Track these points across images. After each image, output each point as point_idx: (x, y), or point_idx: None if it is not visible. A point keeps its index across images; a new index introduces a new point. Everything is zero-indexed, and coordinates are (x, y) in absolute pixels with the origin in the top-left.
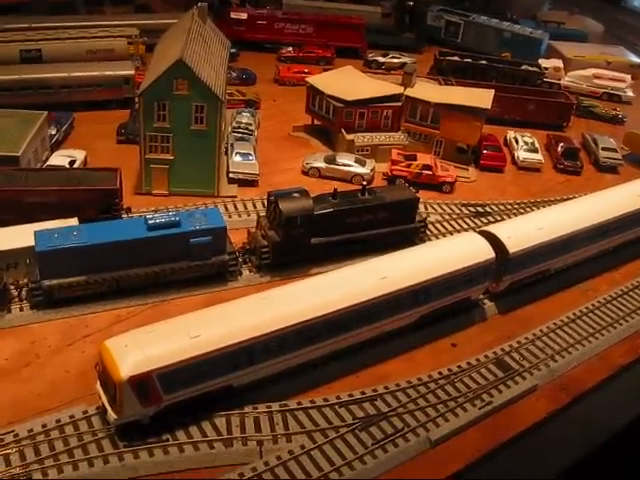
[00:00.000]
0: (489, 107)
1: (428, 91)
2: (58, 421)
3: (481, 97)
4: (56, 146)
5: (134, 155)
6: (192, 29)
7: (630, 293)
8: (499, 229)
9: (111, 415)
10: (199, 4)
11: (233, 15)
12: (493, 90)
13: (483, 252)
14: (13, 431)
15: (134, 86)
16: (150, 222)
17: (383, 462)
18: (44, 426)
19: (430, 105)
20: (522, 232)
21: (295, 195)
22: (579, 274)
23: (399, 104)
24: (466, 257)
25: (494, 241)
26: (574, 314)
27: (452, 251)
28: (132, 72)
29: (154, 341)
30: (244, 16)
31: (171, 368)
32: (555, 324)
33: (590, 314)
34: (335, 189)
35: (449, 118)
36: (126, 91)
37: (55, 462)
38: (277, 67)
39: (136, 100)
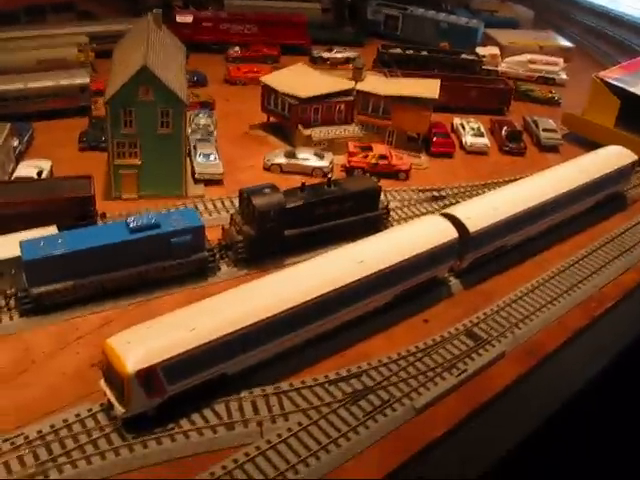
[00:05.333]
0: (437, 96)
1: (378, 84)
2: (65, 420)
3: (428, 87)
4: (20, 157)
5: (98, 161)
6: (150, 35)
7: (579, 263)
8: (459, 211)
9: (119, 409)
10: (154, 10)
11: (179, 19)
12: (439, 80)
13: (447, 233)
14: (23, 434)
15: (90, 94)
16: (132, 225)
17: (374, 432)
18: (52, 426)
19: (381, 98)
20: (480, 212)
21: (266, 191)
22: (532, 248)
23: (351, 98)
24: (433, 239)
25: (455, 222)
26: (532, 285)
27: (420, 234)
28: (87, 80)
29: (155, 336)
30: (189, 19)
31: (173, 360)
32: (515, 295)
33: (546, 284)
34: (303, 183)
35: (399, 109)
36: (82, 99)
37: (68, 459)
38: (227, 68)
39: (92, 107)
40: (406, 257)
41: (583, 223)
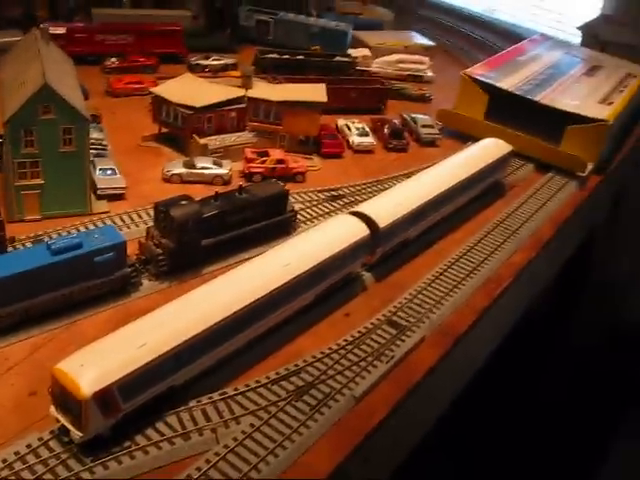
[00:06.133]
0: (326, 100)
1: (267, 90)
2: (17, 453)
3: (316, 91)
4: None
5: None
6: (42, 51)
7: (474, 248)
8: (367, 208)
9: (76, 434)
10: (41, 25)
11: (51, 30)
12: (324, 84)
13: (360, 230)
14: None
15: None
16: (54, 247)
17: (323, 423)
18: (4, 461)
19: (272, 103)
20: (386, 209)
21: (182, 202)
22: (431, 238)
23: (243, 105)
24: (348, 236)
25: (365, 219)
26: (436, 272)
27: (335, 233)
28: None
29: (106, 356)
30: (62, 31)
31: (128, 378)
32: (424, 282)
33: (449, 270)
34: (216, 192)
35: (290, 114)
36: None
37: None
38: (108, 80)
39: None
40: (327, 256)
41: (470, 211)
